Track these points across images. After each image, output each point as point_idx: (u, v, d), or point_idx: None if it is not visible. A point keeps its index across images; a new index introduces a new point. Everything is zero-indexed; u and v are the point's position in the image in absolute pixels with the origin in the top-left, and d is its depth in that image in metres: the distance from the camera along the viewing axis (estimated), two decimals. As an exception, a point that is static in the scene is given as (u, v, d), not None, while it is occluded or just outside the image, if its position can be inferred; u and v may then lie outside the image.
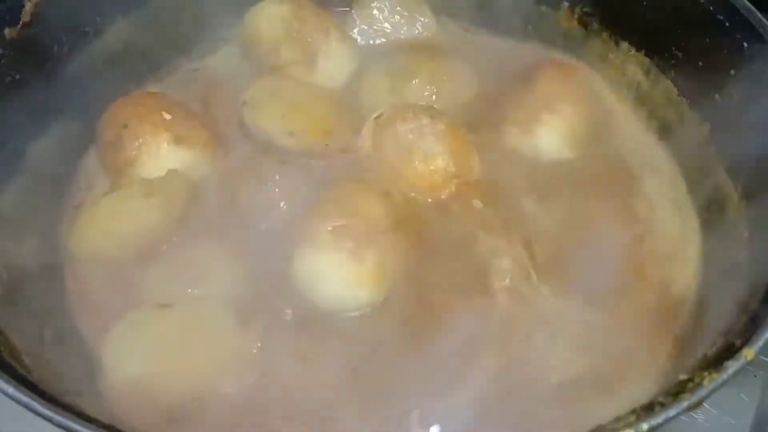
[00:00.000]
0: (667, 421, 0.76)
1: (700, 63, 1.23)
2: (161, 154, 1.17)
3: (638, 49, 1.35)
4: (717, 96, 1.18)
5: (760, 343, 0.81)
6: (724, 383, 0.79)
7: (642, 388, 0.94)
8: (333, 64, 1.34)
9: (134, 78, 1.38)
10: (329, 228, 1.03)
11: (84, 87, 1.31)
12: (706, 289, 1.10)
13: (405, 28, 1.42)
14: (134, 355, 0.98)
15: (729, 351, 0.82)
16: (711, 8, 1.18)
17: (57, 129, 1.24)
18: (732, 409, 1.16)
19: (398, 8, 1.42)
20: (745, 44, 1.13)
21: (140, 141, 1.18)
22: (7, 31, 1.15)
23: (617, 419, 0.77)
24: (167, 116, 1.20)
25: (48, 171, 1.22)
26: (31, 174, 1.18)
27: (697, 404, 0.77)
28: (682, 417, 1.06)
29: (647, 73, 1.34)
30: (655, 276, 1.12)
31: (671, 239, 1.17)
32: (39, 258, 1.11)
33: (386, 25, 1.42)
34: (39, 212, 1.18)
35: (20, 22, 1.17)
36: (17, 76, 1.18)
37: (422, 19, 1.42)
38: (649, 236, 1.17)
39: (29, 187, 1.17)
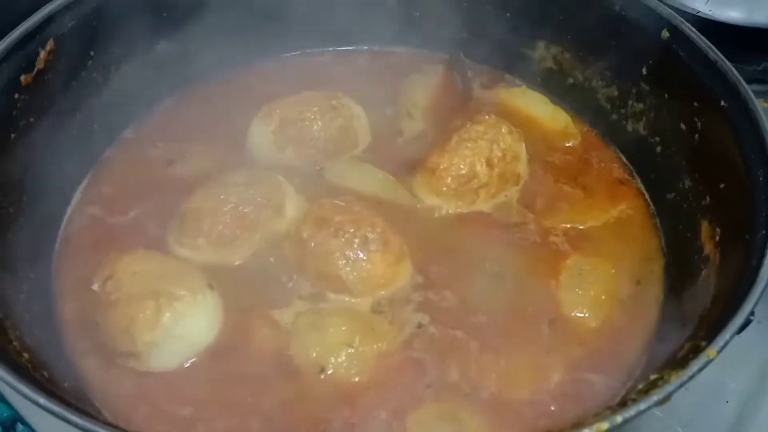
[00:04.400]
0: (639, 414, 0.84)
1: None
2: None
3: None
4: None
5: (722, 343, 0.89)
6: (690, 379, 0.87)
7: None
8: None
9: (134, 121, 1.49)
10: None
11: (89, 128, 1.41)
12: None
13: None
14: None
15: (694, 351, 0.90)
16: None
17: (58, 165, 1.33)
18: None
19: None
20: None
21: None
22: (23, 78, 1.23)
23: (595, 414, 0.85)
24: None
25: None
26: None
27: (666, 399, 0.85)
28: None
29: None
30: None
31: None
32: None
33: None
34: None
35: (35, 69, 1.25)
36: (32, 119, 1.26)
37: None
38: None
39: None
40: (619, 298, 1.24)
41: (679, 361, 0.92)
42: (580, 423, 0.83)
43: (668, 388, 0.86)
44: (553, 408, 1.11)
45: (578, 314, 1.22)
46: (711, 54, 1.24)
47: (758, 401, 1.29)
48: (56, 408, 0.83)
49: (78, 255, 1.30)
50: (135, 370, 1.12)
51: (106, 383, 1.12)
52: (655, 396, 0.85)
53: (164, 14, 1.46)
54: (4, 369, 0.88)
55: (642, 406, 0.84)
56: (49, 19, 1.26)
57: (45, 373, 1.01)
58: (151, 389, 1.11)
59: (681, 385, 0.86)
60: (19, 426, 1.27)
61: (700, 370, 0.87)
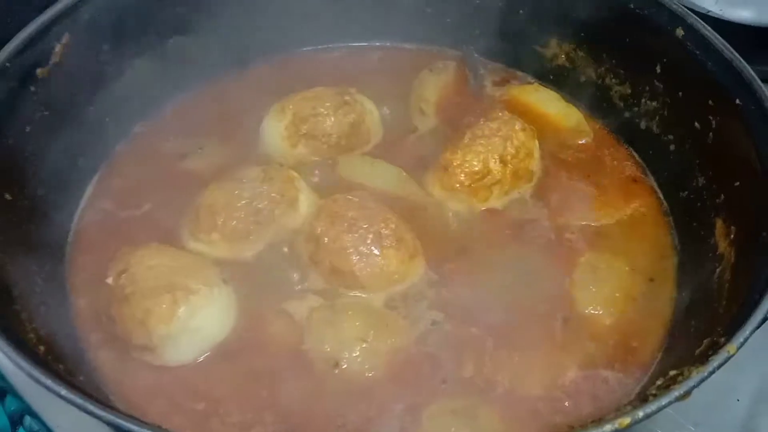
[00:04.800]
0: (660, 409, 0.84)
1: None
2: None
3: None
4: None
5: (742, 339, 0.89)
6: (710, 375, 0.87)
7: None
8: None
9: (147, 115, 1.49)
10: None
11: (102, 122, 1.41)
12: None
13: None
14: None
15: (714, 348, 0.90)
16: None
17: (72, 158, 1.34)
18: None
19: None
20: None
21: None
22: (38, 71, 1.23)
23: (617, 410, 0.85)
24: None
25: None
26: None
27: (686, 395, 0.85)
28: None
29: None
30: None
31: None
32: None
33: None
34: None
35: (50, 62, 1.25)
36: (46, 113, 1.26)
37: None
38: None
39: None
40: (633, 295, 1.24)
41: (697, 358, 0.92)
42: (602, 419, 0.83)
43: (689, 383, 0.86)
44: (567, 404, 1.11)
45: (592, 311, 1.22)
46: (726, 52, 1.24)
47: (769, 400, 1.29)
48: (79, 400, 0.83)
49: (91, 249, 1.30)
50: (150, 364, 1.12)
51: (121, 377, 1.13)
52: (676, 391, 0.85)
53: (177, 9, 1.46)
54: (24, 360, 0.88)
55: (663, 401, 0.84)
56: (64, 13, 1.27)
57: (61, 366, 1.01)
58: (165, 383, 1.11)
59: (702, 381, 0.86)
60: (27, 419, 1.27)
61: (721, 365, 0.88)
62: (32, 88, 1.23)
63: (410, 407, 1.10)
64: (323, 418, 1.09)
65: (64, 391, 0.83)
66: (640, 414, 0.82)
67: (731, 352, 0.88)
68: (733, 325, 0.93)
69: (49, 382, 0.84)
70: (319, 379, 1.12)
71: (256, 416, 1.09)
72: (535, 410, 1.11)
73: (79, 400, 0.82)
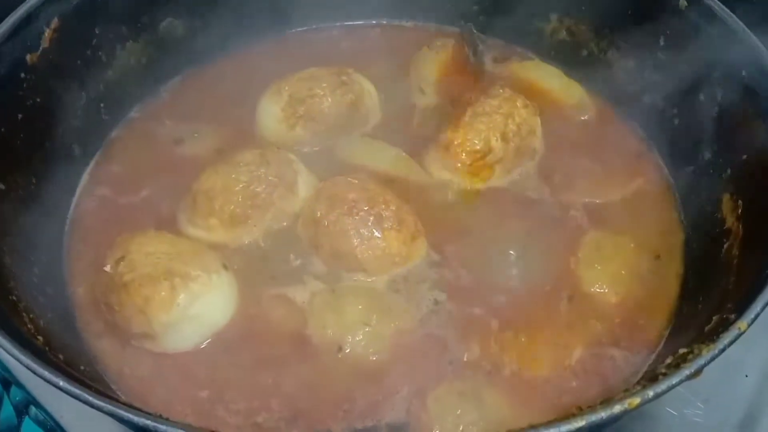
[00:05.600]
0: (670, 388, 0.82)
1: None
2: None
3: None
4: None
5: (753, 315, 0.88)
6: (720, 353, 0.85)
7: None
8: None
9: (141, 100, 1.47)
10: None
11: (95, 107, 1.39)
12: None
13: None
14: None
15: (724, 325, 0.89)
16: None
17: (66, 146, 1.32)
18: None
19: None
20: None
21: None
22: (28, 57, 1.21)
23: (626, 390, 0.83)
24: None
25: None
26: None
27: (697, 373, 0.84)
28: (673, 412, 1.16)
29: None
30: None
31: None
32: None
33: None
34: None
35: (40, 48, 1.23)
36: (38, 100, 1.24)
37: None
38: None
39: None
40: (639, 273, 1.22)
41: (707, 335, 0.90)
42: (611, 399, 0.81)
43: (699, 361, 0.84)
44: (574, 384, 1.10)
45: (598, 290, 1.20)
46: (731, 22, 1.22)
47: (778, 375, 1.28)
48: (77, 391, 0.82)
49: (88, 236, 1.29)
50: (151, 352, 1.11)
51: (122, 365, 1.11)
52: (687, 370, 0.84)
53: (169, -10, 1.43)
54: (22, 352, 0.87)
55: (674, 380, 0.83)
56: (53, -3, 1.24)
57: (61, 356, 0.99)
58: (167, 371, 1.10)
59: (713, 359, 0.85)
60: (33, 409, 1.26)
61: (732, 342, 0.86)
62: (23, 75, 1.20)
63: (416, 390, 1.08)
64: (329, 403, 1.08)
65: (62, 383, 0.81)
66: (650, 394, 0.80)
67: (742, 329, 0.87)
68: (743, 302, 0.91)
69: (47, 373, 0.82)
70: (323, 363, 1.11)
71: (261, 403, 1.07)
72: (543, 391, 1.09)
73: (77, 391, 0.81)
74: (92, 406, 0.80)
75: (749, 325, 0.87)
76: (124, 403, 0.82)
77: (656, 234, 1.28)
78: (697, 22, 1.27)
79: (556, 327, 1.16)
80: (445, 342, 1.14)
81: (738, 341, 0.90)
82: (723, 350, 0.85)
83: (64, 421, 1.22)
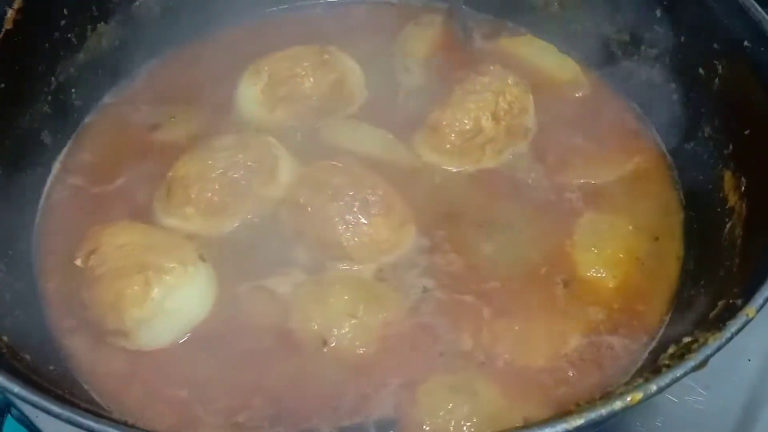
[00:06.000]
0: (674, 381, 0.77)
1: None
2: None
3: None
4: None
5: (761, 300, 0.82)
6: (728, 341, 0.80)
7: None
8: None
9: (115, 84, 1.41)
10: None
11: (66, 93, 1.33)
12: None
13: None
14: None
15: (730, 310, 0.83)
16: None
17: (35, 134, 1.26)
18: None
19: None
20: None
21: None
22: (-10, 40, 1.15)
23: (627, 383, 0.78)
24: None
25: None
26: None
27: (702, 364, 0.79)
28: (674, 399, 1.11)
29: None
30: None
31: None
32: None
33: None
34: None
35: (2, 30, 1.17)
36: (2, 85, 1.18)
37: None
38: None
39: None
40: (638, 255, 1.17)
41: (712, 322, 0.85)
42: (612, 394, 0.76)
43: (705, 351, 0.79)
44: (571, 374, 1.05)
45: (595, 274, 1.15)
46: (732, -9, 1.15)
47: (781, 360, 1.24)
48: (32, 396, 0.76)
49: (60, 228, 1.23)
50: (125, 349, 1.06)
51: (95, 364, 1.06)
52: (692, 361, 0.78)
53: (141, -32, 1.37)
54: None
55: (678, 372, 0.78)
56: (16, -25, 1.17)
57: (27, 356, 0.94)
58: (143, 369, 1.05)
59: (719, 348, 0.80)
60: (14, 410, 1.22)
61: (739, 330, 0.81)
62: (-16, 59, 1.14)
63: (405, 384, 1.04)
64: (314, 400, 1.03)
65: (17, 389, 0.76)
66: (654, 388, 0.75)
67: (750, 316, 0.81)
68: (750, 286, 0.85)
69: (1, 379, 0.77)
70: (307, 358, 1.06)
71: (243, 401, 1.02)
72: (539, 382, 1.05)
73: (32, 397, 0.75)
74: (48, 412, 0.74)
75: (758, 311, 0.82)
76: (83, 409, 0.76)
77: (655, 214, 1.24)
78: (695, -9, 1.21)
79: (552, 314, 1.11)
80: (436, 332, 1.09)
81: (740, 324, 0.85)
82: (730, 339, 0.80)
83: (39, 422, 1.17)
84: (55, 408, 0.74)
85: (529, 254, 1.18)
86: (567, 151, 1.30)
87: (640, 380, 0.78)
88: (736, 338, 1.22)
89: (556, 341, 1.08)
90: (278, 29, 1.50)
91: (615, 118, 1.36)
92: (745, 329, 1.22)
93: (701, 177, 1.21)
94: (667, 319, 1.10)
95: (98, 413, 0.78)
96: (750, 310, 0.82)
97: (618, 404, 0.73)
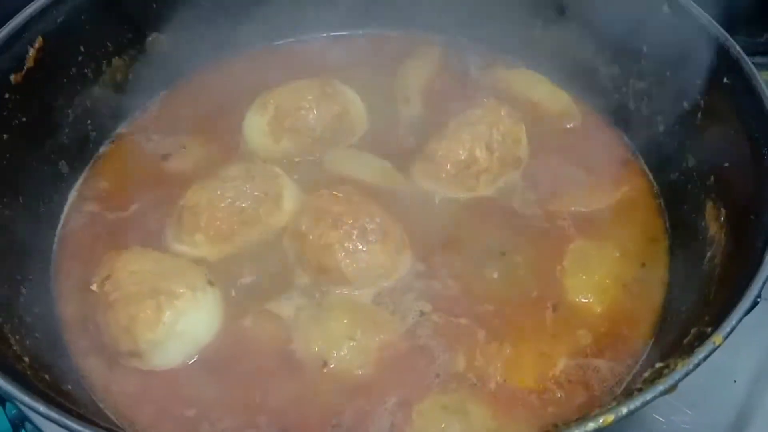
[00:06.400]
0: (645, 404, 0.82)
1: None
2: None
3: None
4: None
5: (728, 329, 0.88)
6: (695, 368, 0.85)
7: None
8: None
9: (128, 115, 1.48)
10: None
11: (82, 124, 1.39)
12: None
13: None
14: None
15: (700, 338, 0.89)
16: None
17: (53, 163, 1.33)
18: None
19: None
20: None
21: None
22: (12, 77, 1.22)
23: (600, 406, 0.84)
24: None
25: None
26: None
27: (672, 388, 0.84)
28: (660, 418, 1.17)
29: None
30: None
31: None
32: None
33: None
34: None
35: (24, 68, 1.23)
36: (24, 119, 1.25)
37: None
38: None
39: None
40: (624, 281, 1.22)
41: (685, 348, 0.91)
42: (586, 416, 0.81)
43: (675, 376, 0.85)
44: (559, 395, 1.10)
45: (583, 299, 1.20)
46: (712, 29, 1.21)
47: (767, 380, 1.28)
48: (56, 415, 0.82)
49: (77, 254, 1.29)
50: (138, 370, 1.12)
51: (109, 383, 1.12)
52: (661, 385, 0.84)
53: (153, 5, 1.44)
54: (3, 378, 0.87)
55: (648, 396, 0.83)
56: (36, 16, 1.24)
57: (47, 377, 1.00)
58: (155, 388, 1.11)
59: (687, 374, 0.85)
60: (28, 425, 1.27)
61: (706, 357, 0.86)
62: (7, 95, 1.21)
63: (401, 404, 1.09)
64: (316, 419, 1.08)
65: (42, 408, 0.82)
66: (624, 410, 0.81)
67: (717, 343, 0.87)
68: (720, 314, 0.91)
69: (27, 399, 0.83)
70: (309, 379, 1.11)
71: (248, 420, 1.08)
72: (528, 402, 1.10)
73: (56, 416, 0.81)
74: (70, 429, 0.81)
75: (725, 339, 0.87)
76: (103, 427, 0.83)
77: (642, 241, 1.29)
78: (678, 28, 1.26)
79: (541, 337, 1.16)
80: (432, 354, 1.14)
81: (726, 346, 0.90)
82: (698, 365, 0.85)
83: (54, 439, 1.23)
84: (78, 427, 0.80)
85: (522, 279, 1.23)
86: (558, 179, 1.35)
87: (614, 404, 0.84)
88: (722, 359, 1.27)
89: (545, 364, 1.13)
90: (284, 61, 1.57)
91: (604, 148, 1.41)
92: (732, 351, 1.27)
93: (686, 206, 1.26)
94: (651, 342, 1.14)
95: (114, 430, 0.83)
96: (717, 337, 0.87)
97: (591, 425, 0.79)
